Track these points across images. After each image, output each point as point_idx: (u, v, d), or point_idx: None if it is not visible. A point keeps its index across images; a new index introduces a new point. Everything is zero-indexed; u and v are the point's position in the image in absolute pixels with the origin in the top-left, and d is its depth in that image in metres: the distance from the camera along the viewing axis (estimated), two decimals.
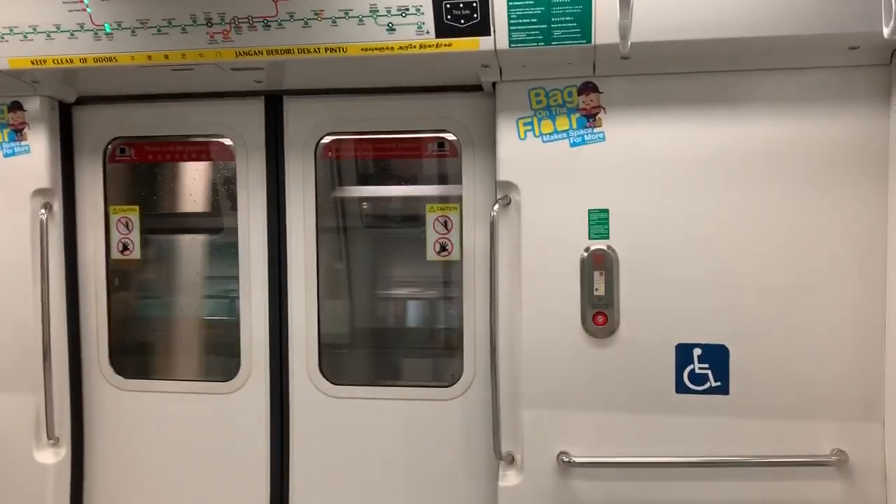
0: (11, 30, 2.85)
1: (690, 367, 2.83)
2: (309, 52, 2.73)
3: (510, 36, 2.61)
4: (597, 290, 2.85)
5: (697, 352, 2.82)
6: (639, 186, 2.83)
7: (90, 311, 3.46)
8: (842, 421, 2.77)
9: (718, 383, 2.81)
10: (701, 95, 2.78)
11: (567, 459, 2.86)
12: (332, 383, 3.31)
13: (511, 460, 2.99)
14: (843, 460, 2.74)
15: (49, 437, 3.26)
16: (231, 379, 3.36)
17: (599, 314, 2.86)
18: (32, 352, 3.20)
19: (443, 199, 3.37)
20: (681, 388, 2.84)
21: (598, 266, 2.85)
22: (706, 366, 2.82)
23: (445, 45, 2.65)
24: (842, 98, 2.70)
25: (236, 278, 3.36)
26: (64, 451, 3.34)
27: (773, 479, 2.80)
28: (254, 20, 2.69)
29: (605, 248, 2.85)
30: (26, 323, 3.21)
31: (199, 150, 3.55)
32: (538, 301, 2.90)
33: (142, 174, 3.66)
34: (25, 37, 2.85)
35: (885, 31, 1.96)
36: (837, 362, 2.75)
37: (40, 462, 3.27)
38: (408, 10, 2.60)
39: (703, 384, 2.82)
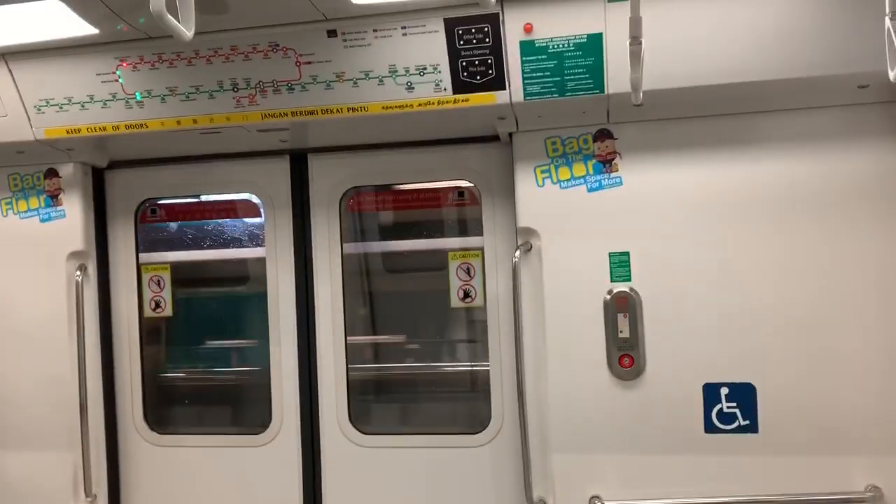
0: (48, 101, 2.98)
1: (718, 406, 2.83)
2: (332, 112, 2.83)
3: (525, 89, 2.70)
4: (621, 332, 2.87)
5: (724, 391, 2.82)
6: (658, 228, 2.86)
7: (124, 367, 3.53)
8: (875, 455, 2.74)
9: (747, 422, 2.81)
10: (715, 138, 2.83)
11: (599, 503, 2.86)
12: (363, 432, 3.34)
13: None
14: (878, 496, 2.71)
15: (87, 495, 3.30)
16: (263, 432, 3.40)
17: (625, 356, 2.88)
18: (69, 410, 3.27)
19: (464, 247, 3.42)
20: (709, 427, 2.83)
21: (622, 308, 2.88)
22: (734, 404, 2.82)
23: (462, 100, 2.74)
24: (854, 135, 2.74)
25: None
26: None
27: None
28: (278, 84, 2.80)
29: (627, 290, 2.88)
30: (63, 381, 3.28)
31: (228, 208, 3.65)
32: (564, 345, 2.93)
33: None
34: (61, 108, 2.98)
35: (891, 75, 2.02)
36: (866, 396, 2.74)
37: None
38: (425, 69, 2.70)
39: (731, 423, 2.82)
